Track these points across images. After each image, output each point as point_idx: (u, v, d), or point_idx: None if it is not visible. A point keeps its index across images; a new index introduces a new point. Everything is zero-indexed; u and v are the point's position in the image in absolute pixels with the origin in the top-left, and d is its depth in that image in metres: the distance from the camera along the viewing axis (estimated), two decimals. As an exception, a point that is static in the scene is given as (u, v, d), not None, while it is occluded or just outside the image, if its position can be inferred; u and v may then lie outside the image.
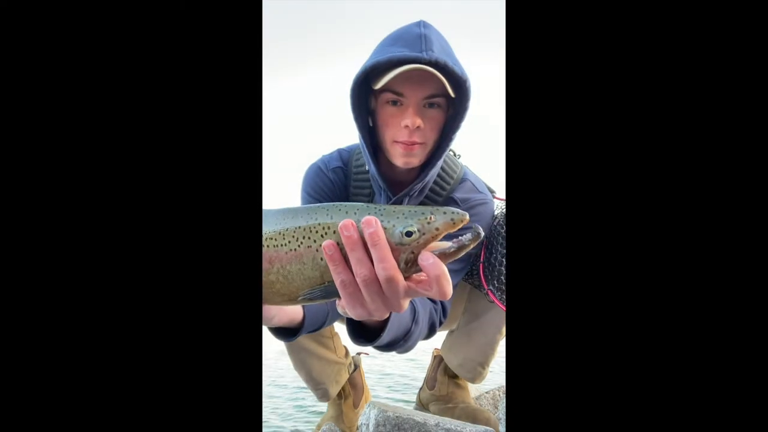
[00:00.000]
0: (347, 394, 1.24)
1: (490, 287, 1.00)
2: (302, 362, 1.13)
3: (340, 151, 1.06)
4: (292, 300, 0.50)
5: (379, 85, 0.85)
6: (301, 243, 0.47)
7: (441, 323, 0.90)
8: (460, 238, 0.45)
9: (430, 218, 0.44)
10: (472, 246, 0.45)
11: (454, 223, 0.44)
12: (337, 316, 0.85)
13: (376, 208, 0.46)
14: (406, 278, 0.45)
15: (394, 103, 0.88)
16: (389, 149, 0.91)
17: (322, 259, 0.46)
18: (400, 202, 0.93)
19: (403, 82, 0.85)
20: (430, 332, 0.88)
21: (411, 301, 0.75)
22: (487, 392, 1.31)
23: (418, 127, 0.86)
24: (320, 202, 0.87)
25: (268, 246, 0.48)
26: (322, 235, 0.46)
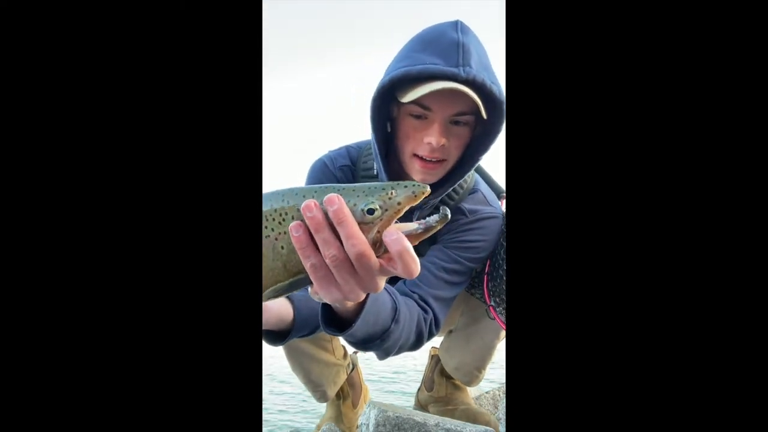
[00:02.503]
0: (346, 395, 1.23)
1: (492, 303, 0.97)
2: (300, 365, 1.11)
3: (348, 149, 1.00)
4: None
5: (406, 99, 0.77)
6: (265, 227, 0.45)
7: (431, 335, 0.85)
8: (427, 219, 0.45)
9: (391, 193, 0.43)
10: (438, 227, 0.44)
11: (415, 196, 0.43)
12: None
13: (333, 187, 0.44)
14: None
15: (419, 116, 0.81)
16: (407, 162, 0.85)
17: (282, 247, 0.44)
18: (410, 216, 0.85)
19: (432, 97, 0.77)
20: (417, 341, 0.82)
21: (394, 300, 0.72)
22: (487, 392, 1.31)
23: (442, 145, 0.80)
24: None
25: None
26: (279, 223, 0.44)
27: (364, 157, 0.97)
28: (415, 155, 0.83)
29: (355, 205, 0.43)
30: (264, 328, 0.67)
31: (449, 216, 0.45)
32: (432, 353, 1.30)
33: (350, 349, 1.28)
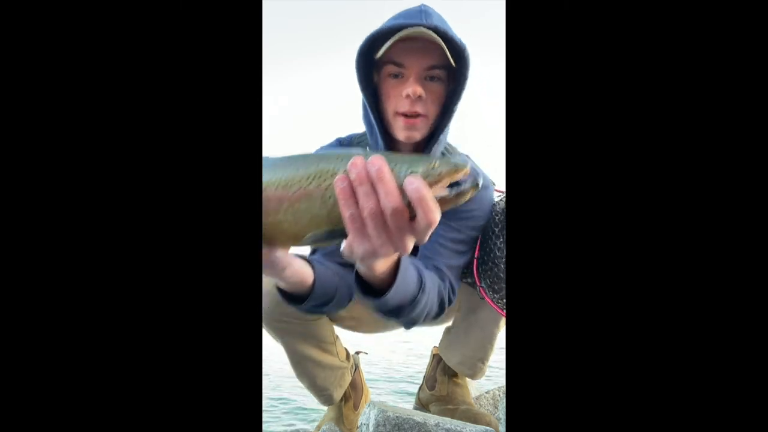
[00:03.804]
0: (348, 396, 1.23)
1: (482, 284, 0.99)
2: (305, 371, 1.12)
3: (339, 140, 1.05)
4: (297, 239, 0.51)
5: (380, 53, 0.86)
6: (311, 183, 0.48)
7: (450, 302, 0.89)
8: (460, 185, 0.47)
9: (435, 164, 0.46)
10: (470, 195, 0.47)
11: (456, 169, 0.46)
12: (345, 301, 0.83)
13: (383, 153, 0.48)
14: None
15: (396, 75, 0.89)
16: (392, 122, 0.92)
17: (330, 197, 0.47)
18: None
19: (404, 52, 0.87)
20: (440, 309, 0.86)
21: (418, 271, 0.76)
22: (487, 392, 1.31)
23: (419, 96, 0.87)
24: None
25: (276, 188, 0.49)
26: (331, 176, 0.47)
27: (355, 144, 1.03)
28: (397, 113, 0.90)
29: (399, 168, 0.46)
30: (285, 284, 0.70)
31: (480, 184, 0.48)
32: (434, 352, 1.30)
33: (351, 350, 1.29)
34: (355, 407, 1.24)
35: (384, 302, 0.65)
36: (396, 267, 0.64)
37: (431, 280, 0.81)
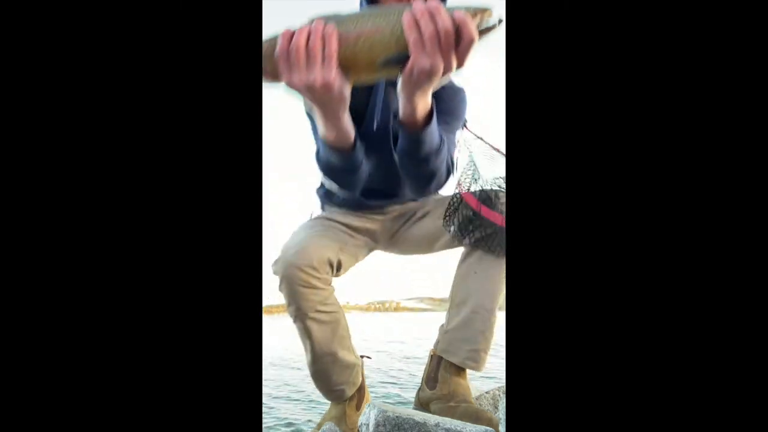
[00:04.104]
0: (352, 396, 1.24)
1: (462, 189, 1.09)
2: (324, 366, 1.13)
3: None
4: (371, 66, 0.65)
5: None
6: (382, 21, 0.64)
7: (449, 174, 0.97)
8: (488, 21, 0.64)
9: (471, 5, 0.64)
10: (495, 29, 0.65)
11: (485, 10, 0.64)
12: (363, 179, 0.91)
13: None
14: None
15: None
16: None
17: (397, 28, 0.63)
18: None
19: None
20: (447, 174, 0.96)
21: (438, 128, 0.86)
22: (487, 392, 1.31)
23: None
24: None
25: (353, 27, 0.64)
26: (397, 14, 0.63)
27: None
28: None
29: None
30: (336, 131, 0.77)
31: (502, 21, 0.63)
32: (431, 353, 1.30)
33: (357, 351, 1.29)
34: (358, 407, 1.24)
35: (424, 137, 0.79)
36: (430, 115, 0.78)
37: (444, 144, 0.91)
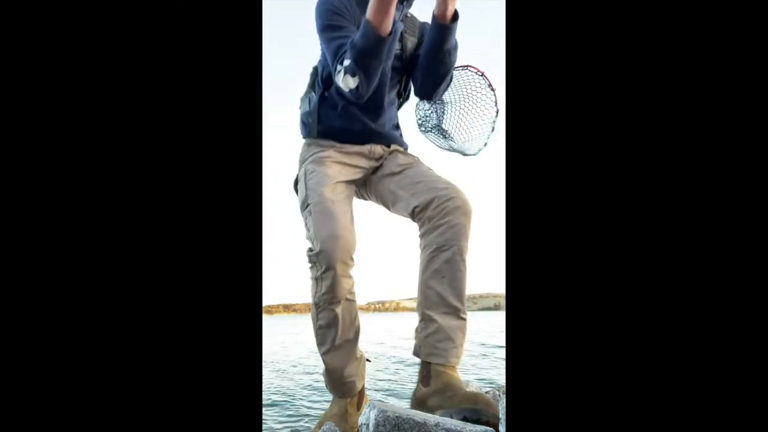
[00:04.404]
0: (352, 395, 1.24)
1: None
2: (340, 357, 1.17)
3: None
4: None
5: None
6: None
7: (451, 81, 1.23)
8: None
9: None
10: None
11: None
12: (379, 76, 1.10)
13: None
14: None
15: None
16: None
17: None
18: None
19: None
20: (450, 80, 1.22)
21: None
22: (486, 392, 1.31)
23: None
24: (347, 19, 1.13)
25: None
26: None
27: None
28: None
29: None
30: (381, 16, 0.97)
31: None
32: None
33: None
34: (358, 407, 1.24)
35: (451, 31, 1.08)
36: (455, 17, 1.07)
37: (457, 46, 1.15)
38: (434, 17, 1.07)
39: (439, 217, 1.09)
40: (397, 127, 1.33)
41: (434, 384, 1.13)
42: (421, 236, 1.14)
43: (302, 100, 1.32)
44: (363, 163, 1.26)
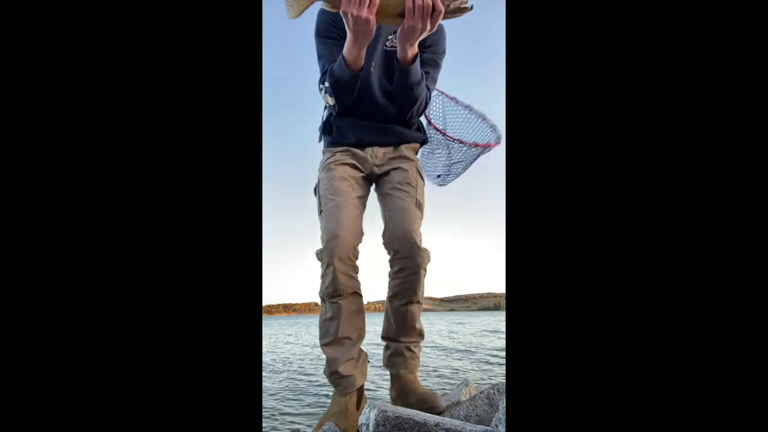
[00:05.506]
0: (352, 394, 1.25)
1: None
2: (345, 348, 1.26)
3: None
4: (395, 15, 1.07)
5: None
6: None
7: (427, 102, 1.36)
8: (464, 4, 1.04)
9: None
10: (467, 10, 1.06)
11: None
12: (353, 99, 1.28)
13: None
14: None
15: None
16: None
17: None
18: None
19: None
20: (425, 105, 1.36)
21: (420, 69, 1.25)
22: (481, 392, 1.31)
23: None
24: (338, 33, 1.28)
25: None
26: None
27: None
28: None
29: None
30: (355, 51, 1.15)
31: (472, 8, 1.02)
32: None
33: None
34: (358, 406, 1.25)
35: (412, 70, 1.21)
36: (415, 57, 1.20)
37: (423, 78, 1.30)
38: (396, 60, 1.22)
39: (396, 269, 1.32)
40: (407, 121, 1.40)
41: (395, 387, 1.40)
42: (389, 269, 1.35)
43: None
44: (366, 166, 1.40)
